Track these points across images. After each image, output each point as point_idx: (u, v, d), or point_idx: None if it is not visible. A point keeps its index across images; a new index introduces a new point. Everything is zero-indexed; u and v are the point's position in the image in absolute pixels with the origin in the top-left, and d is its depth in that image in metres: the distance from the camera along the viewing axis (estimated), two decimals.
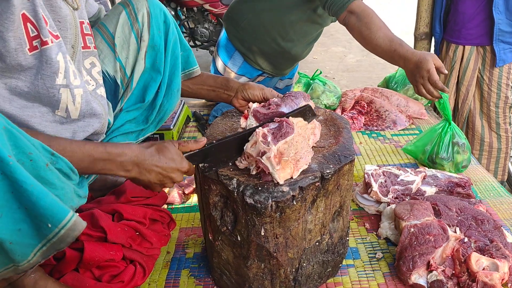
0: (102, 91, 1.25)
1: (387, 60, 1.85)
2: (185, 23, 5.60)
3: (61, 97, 1.06)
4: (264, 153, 1.05)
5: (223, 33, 2.44)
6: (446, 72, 1.75)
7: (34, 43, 0.98)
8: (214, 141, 1.14)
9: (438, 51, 2.63)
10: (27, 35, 0.95)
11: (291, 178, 1.10)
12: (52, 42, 1.01)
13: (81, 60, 1.16)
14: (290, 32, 2.26)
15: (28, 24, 0.96)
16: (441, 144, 1.81)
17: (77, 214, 0.82)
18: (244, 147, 1.12)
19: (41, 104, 1.05)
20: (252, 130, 1.13)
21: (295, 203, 1.09)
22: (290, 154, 1.09)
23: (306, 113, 1.26)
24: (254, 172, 1.12)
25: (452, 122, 1.81)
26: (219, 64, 2.43)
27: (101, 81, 1.25)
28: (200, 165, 1.14)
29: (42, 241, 0.81)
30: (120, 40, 1.31)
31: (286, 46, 2.31)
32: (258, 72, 2.41)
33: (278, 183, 1.07)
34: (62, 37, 1.06)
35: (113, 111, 1.34)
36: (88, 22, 1.21)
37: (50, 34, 1.01)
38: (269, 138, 1.07)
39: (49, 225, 0.79)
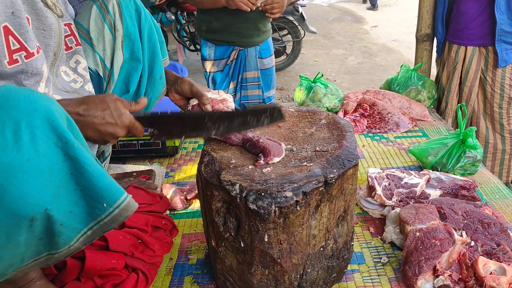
0: (90, 86, 1.27)
1: None
2: (186, 27, 5.62)
3: None
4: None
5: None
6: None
7: (15, 56, 0.98)
8: (169, 112, 1.12)
9: (440, 52, 2.62)
10: (7, 48, 0.95)
11: None
12: (38, 53, 1.02)
13: (60, 65, 1.17)
14: None
15: (10, 37, 0.95)
16: (450, 159, 1.78)
17: (131, 195, 0.85)
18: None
19: None
20: (211, 114, 1.12)
21: (298, 209, 1.08)
22: None
23: (274, 116, 1.17)
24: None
25: (469, 141, 1.76)
26: (203, 62, 2.61)
27: (88, 77, 1.28)
28: (149, 130, 1.12)
29: (91, 223, 0.83)
30: (95, 33, 1.33)
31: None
32: (229, 49, 2.52)
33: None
34: (45, 45, 1.08)
35: None
36: (68, 23, 1.22)
37: (36, 45, 1.01)
38: None
39: (105, 205, 0.82)
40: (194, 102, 1.33)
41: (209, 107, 1.32)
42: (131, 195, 0.85)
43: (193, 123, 1.11)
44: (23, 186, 0.75)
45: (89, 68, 1.31)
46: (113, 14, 1.33)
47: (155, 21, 1.48)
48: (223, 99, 1.32)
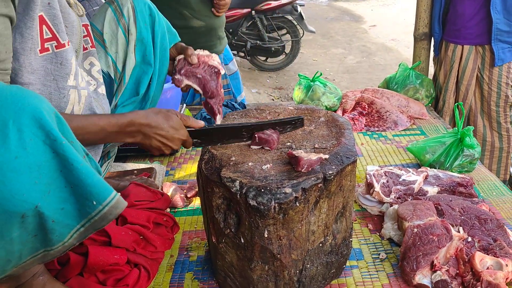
0: (103, 89, 1.29)
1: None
2: None
3: (70, 97, 1.10)
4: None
5: None
6: None
7: (46, 45, 1.01)
8: (214, 125, 1.26)
9: (437, 51, 2.64)
10: (41, 37, 0.99)
11: None
12: (68, 45, 1.06)
13: (81, 63, 1.19)
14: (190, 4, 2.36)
15: (44, 27, 0.99)
16: (448, 158, 1.80)
17: (119, 194, 0.86)
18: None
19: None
20: (247, 125, 1.22)
21: (298, 205, 1.10)
22: None
23: (296, 125, 1.32)
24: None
25: (467, 140, 1.78)
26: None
27: (101, 80, 1.29)
28: (194, 140, 1.23)
29: (82, 221, 0.84)
30: (109, 36, 1.35)
31: (192, 19, 2.38)
32: None
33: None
34: (69, 42, 1.09)
35: (109, 107, 1.37)
36: (85, 24, 1.24)
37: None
38: None
39: (94, 203, 0.82)
40: (180, 57, 1.38)
41: (194, 59, 1.37)
42: (119, 193, 0.85)
43: (233, 134, 1.24)
44: (11, 184, 0.75)
45: (101, 69, 1.33)
46: (127, 18, 1.35)
47: (170, 26, 1.50)
48: (208, 55, 1.38)
